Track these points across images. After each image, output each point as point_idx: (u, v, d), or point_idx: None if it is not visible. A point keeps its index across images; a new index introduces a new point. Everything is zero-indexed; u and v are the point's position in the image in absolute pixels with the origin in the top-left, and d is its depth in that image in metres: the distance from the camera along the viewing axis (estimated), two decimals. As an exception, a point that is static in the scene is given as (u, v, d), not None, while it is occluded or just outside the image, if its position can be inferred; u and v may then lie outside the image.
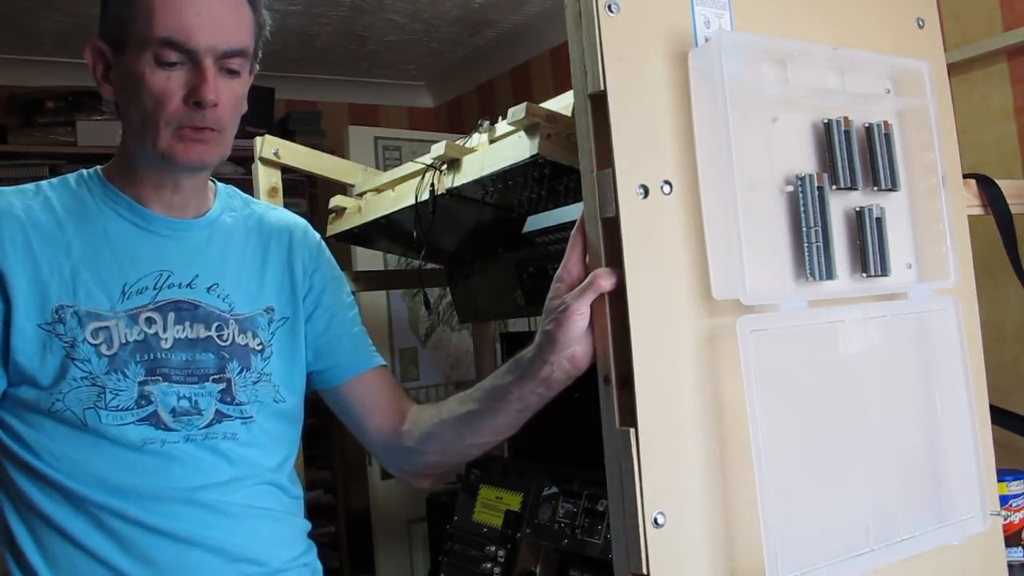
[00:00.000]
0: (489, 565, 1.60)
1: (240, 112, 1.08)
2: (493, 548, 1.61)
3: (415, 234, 1.58)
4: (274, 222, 1.21)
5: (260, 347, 1.12)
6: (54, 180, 1.10)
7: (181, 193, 1.09)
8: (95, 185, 1.09)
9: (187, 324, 1.06)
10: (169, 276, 1.07)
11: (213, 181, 1.19)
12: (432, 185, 1.48)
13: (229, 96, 1.03)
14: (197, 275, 1.09)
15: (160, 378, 1.04)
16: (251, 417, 1.09)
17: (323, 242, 1.27)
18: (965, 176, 1.11)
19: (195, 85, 1.00)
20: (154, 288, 1.05)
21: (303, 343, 1.18)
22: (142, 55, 1.00)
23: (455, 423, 1.10)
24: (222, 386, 1.07)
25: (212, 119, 1.02)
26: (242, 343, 1.10)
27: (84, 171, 1.11)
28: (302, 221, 1.26)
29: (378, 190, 1.73)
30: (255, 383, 1.11)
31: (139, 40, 1.00)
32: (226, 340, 1.09)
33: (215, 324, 1.08)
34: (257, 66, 1.12)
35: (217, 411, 1.07)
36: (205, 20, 1.00)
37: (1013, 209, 1.16)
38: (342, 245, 1.95)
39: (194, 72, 1.00)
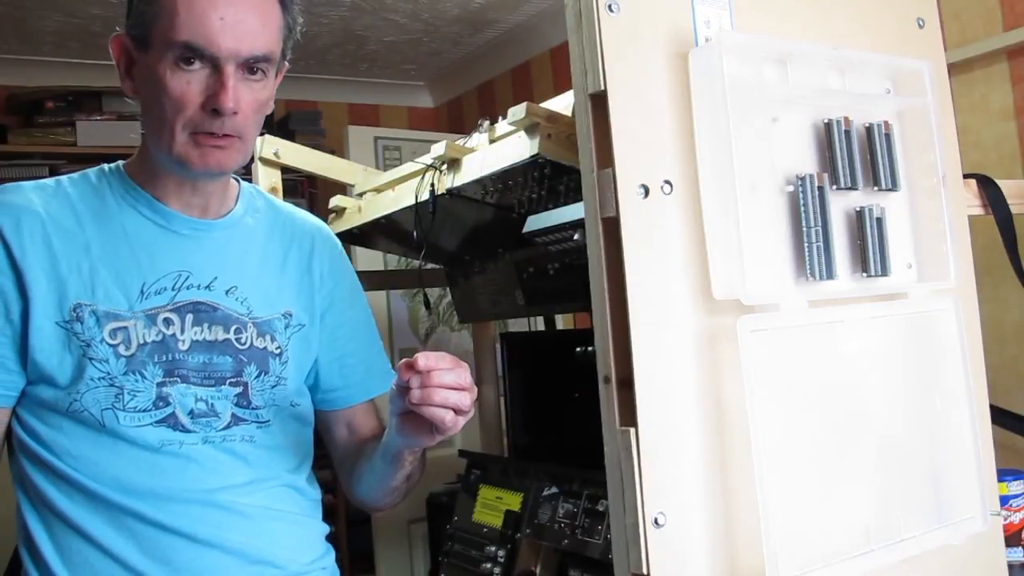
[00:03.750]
0: (489, 565, 1.60)
1: (264, 114, 1.05)
2: (493, 548, 1.61)
3: (415, 234, 1.58)
4: (298, 226, 1.20)
5: (278, 351, 1.11)
6: (74, 175, 1.09)
7: (200, 194, 1.08)
8: (116, 181, 1.07)
9: (205, 326, 1.05)
10: (188, 277, 1.06)
11: (237, 180, 1.17)
12: (432, 185, 1.48)
13: (251, 102, 1.01)
14: (216, 277, 1.07)
15: (178, 379, 1.03)
16: (267, 421, 1.09)
17: (344, 252, 1.25)
18: (965, 176, 1.11)
19: (214, 92, 0.97)
20: (173, 289, 1.04)
21: (314, 354, 1.17)
22: (164, 56, 0.97)
23: (367, 460, 1.18)
24: (239, 390, 1.07)
25: (231, 126, 0.99)
26: (260, 346, 1.09)
27: (106, 166, 1.10)
28: (325, 228, 1.25)
29: (378, 190, 1.73)
30: (273, 387, 1.10)
31: (161, 40, 0.97)
32: (244, 343, 1.08)
33: (233, 327, 1.07)
34: (287, 64, 1.09)
35: (233, 415, 1.06)
36: (229, 24, 0.96)
37: (1013, 209, 1.16)
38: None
39: (214, 78, 0.97)
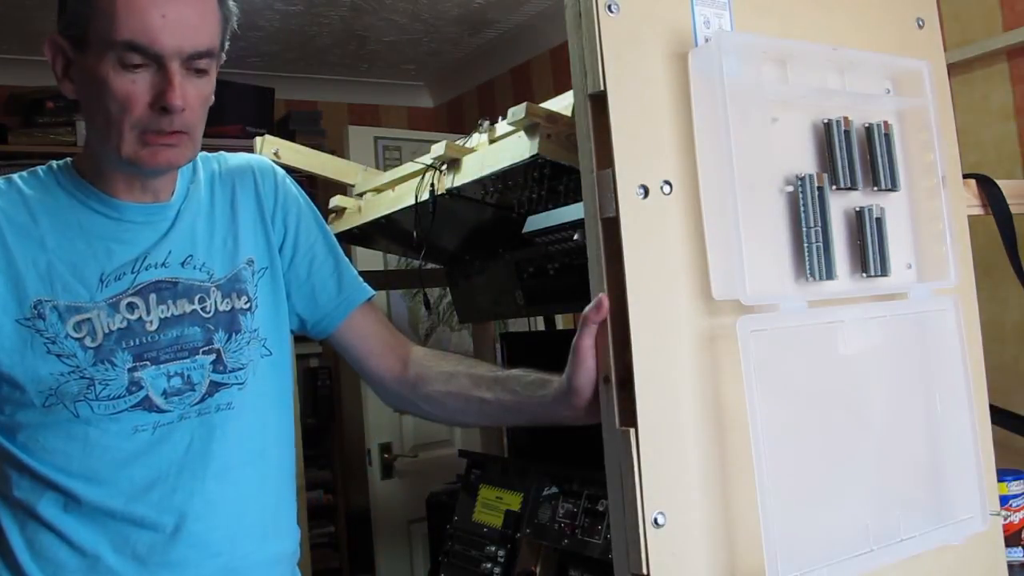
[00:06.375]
0: (489, 565, 1.60)
1: (208, 108, 1.05)
2: (493, 548, 1.61)
3: (415, 234, 1.58)
4: (234, 168, 1.19)
5: (247, 305, 1.11)
6: (24, 173, 1.09)
7: (151, 189, 1.08)
8: (65, 178, 1.08)
9: (170, 303, 1.06)
10: (146, 258, 1.06)
11: None
12: (432, 185, 1.48)
13: (197, 97, 1.01)
14: (170, 251, 1.08)
15: (148, 362, 1.03)
16: (244, 383, 1.10)
17: (287, 177, 1.23)
18: (965, 176, 1.11)
19: (161, 90, 0.96)
20: (132, 272, 1.05)
21: (283, 293, 1.18)
22: (104, 57, 0.96)
23: (463, 401, 1.14)
24: (212, 357, 1.08)
25: (180, 123, 0.99)
26: (226, 309, 1.10)
27: (53, 163, 1.10)
28: (262, 160, 1.23)
29: (378, 190, 1.73)
30: (248, 343, 1.11)
31: (101, 41, 0.96)
32: (209, 311, 1.08)
33: (197, 296, 1.08)
34: (224, 56, 1.08)
35: (211, 382, 1.07)
36: (170, 21, 0.95)
37: (1013, 209, 1.16)
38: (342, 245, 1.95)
39: (160, 76, 0.97)
